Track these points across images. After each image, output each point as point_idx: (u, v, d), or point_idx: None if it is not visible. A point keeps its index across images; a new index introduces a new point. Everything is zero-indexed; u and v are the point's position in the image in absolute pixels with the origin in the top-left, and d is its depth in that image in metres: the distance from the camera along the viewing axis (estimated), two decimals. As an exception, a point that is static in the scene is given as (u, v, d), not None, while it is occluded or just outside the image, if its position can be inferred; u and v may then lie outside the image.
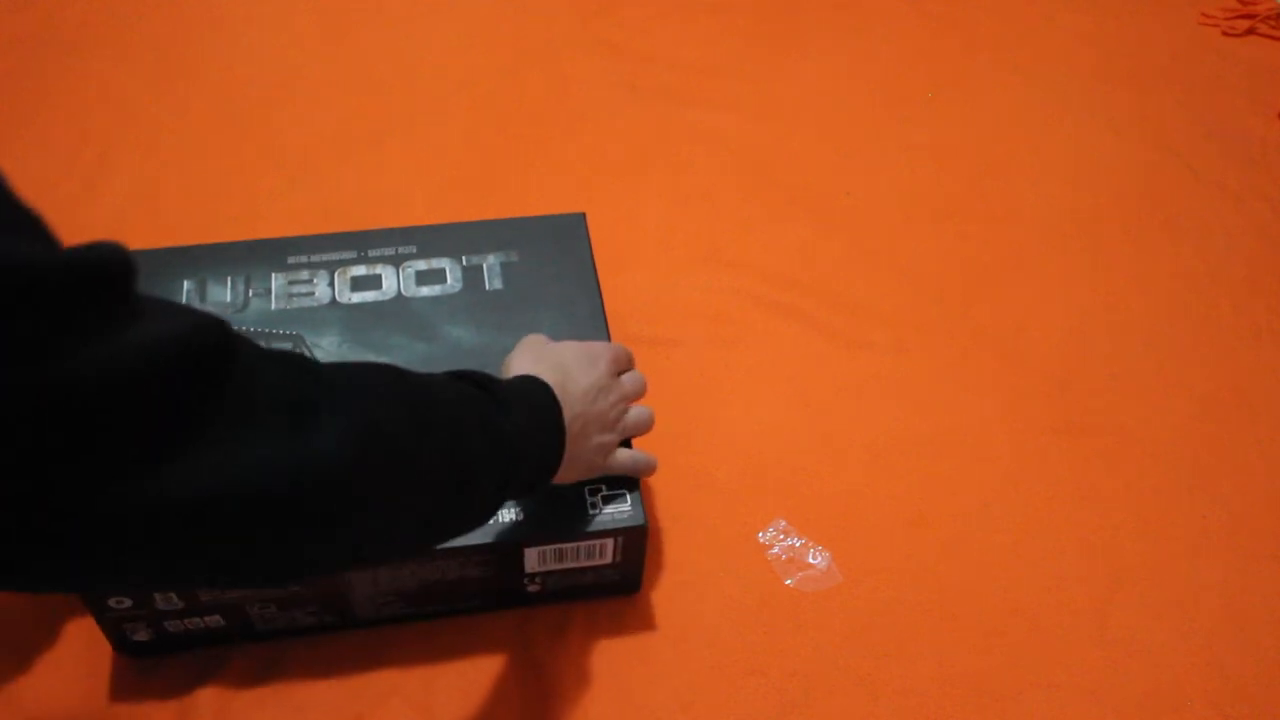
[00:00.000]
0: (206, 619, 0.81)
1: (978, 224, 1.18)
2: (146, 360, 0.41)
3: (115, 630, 0.82)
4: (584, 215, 0.98)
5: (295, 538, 0.49)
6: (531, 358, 0.76)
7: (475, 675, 0.85)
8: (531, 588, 0.85)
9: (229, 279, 0.91)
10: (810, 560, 0.92)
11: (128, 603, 0.78)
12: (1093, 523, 0.95)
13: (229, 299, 0.89)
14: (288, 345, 0.87)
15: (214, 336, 0.44)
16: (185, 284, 0.90)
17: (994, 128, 1.28)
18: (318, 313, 0.89)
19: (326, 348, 0.86)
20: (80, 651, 0.85)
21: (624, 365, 0.82)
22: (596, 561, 0.83)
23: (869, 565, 0.92)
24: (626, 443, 0.81)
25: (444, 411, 0.60)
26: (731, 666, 0.86)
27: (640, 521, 0.80)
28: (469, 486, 0.61)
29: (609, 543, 0.82)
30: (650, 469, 0.82)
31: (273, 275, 0.91)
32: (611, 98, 1.28)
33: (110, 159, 1.21)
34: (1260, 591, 0.92)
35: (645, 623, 0.88)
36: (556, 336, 0.82)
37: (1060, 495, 0.97)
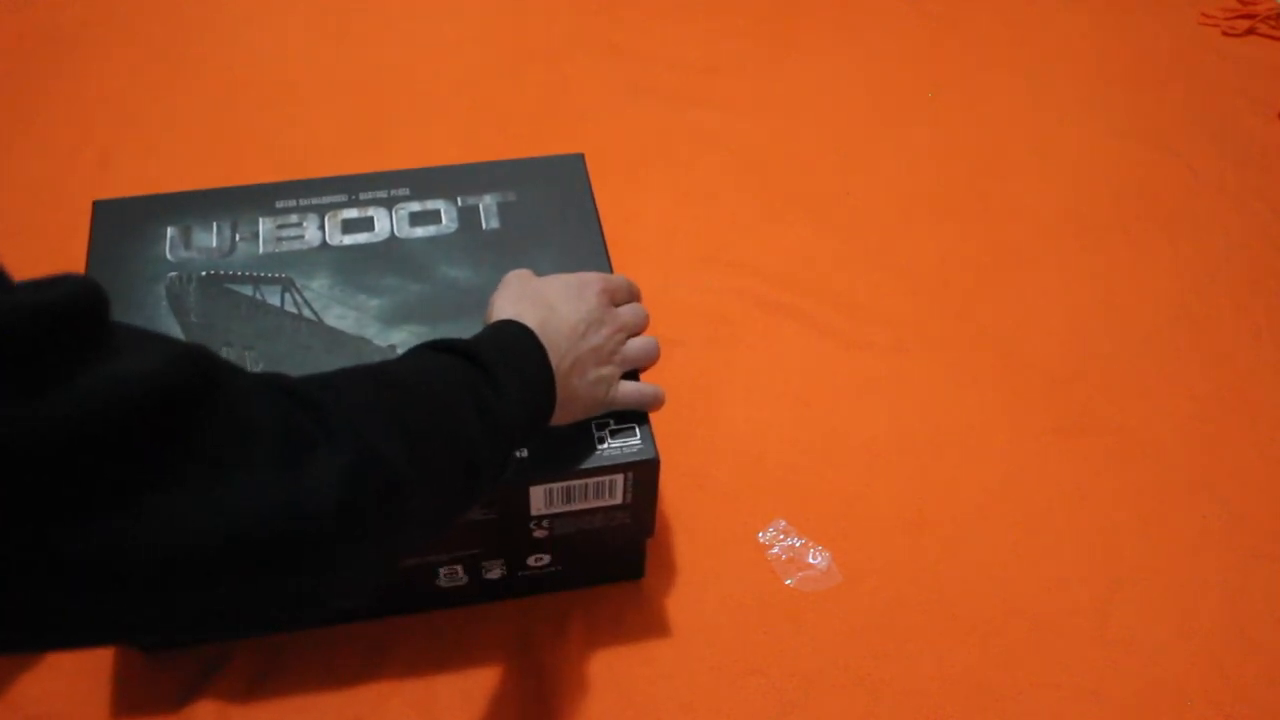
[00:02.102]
0: None
1: (978, 224, 1.18)
2: (116, 401, 0.39)
3: None
4: (583, 155, 0.95)
5: (292, 579, 0.46)
6: (514, 295, 0.72)
7: (475, 675, 0.85)
8: (539, 533, 0.81)
9: (215, 224, 0.87)
10: (810, 560, 0.92)
11: None
12: (1093, 523, 0.95)
13: (215, 244, 0.86)
14: (276, 289, 0.83)
15: (190, 371, 0.42)
16: (169, 230, 0.86)
17: (994, 128, 1.28)
18: (308, 256, 0.86)
19: (317, 290, 0.83)
20: (81, 652, 0.85)
21: (621, 296, 0.78)
22: (606, 501, 0.80)
23: (869, 565, 0.92)
24: (634, 376, 0.78)
25: (441, 412, 0.58)
26: (731, 666, 0.86)
27: (650, 455, 0.77)
28: (471, 477, 0.59)
29: (619, 479, 0.78)
30: (658, 402, 0.78)
31: (260, 219, 0.88)
32: (611, 98, 1.28)
33: (110, 159, 1.21)
34: (1260, 591, 0.92)
35: (645, 623, 0.88)
36: (553, 264, 0.80)
37: (1060, 495, 0.97)
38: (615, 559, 0.88)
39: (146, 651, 0.85)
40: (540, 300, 0.71)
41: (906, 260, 1.14)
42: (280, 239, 0.87)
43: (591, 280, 0.75)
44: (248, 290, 0.83)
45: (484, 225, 0.89)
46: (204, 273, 0.84)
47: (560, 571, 0.86)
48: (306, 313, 0.82)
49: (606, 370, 0.74)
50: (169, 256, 0.85)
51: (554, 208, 0.91)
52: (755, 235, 1.16)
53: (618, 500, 0.80)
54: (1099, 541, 0.94)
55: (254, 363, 0.79)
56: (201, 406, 0.42)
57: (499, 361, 0.63)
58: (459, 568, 0.84)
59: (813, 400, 1.03)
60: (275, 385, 0.48)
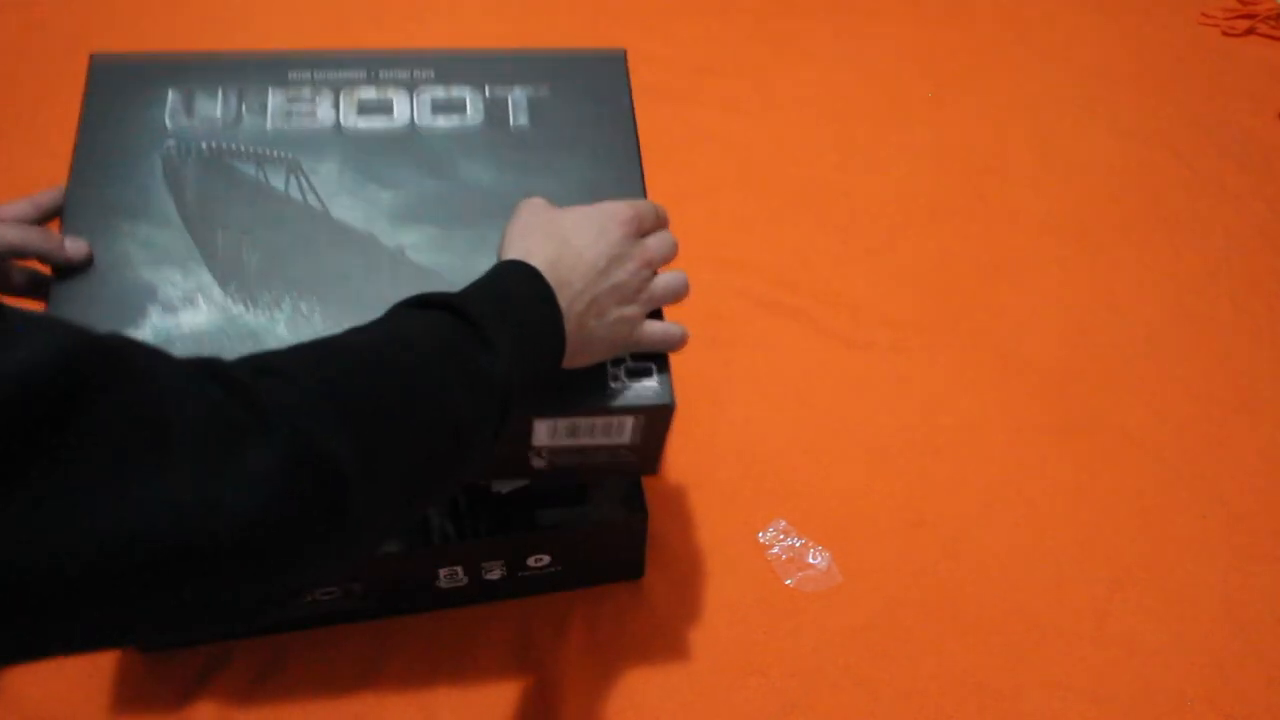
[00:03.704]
0: None
1: (978, 224, 1.18)
2: None
3: None
4: (624, 53, 0.87)
5: (222, 586, 0.43)
6: (525, 228, 0.66)
7: (475, 675, 0.85)
8: (537, 463, 0.75)
9: (220, 91, 0.79)
10: (810, 560, 0.92)
11: None
12: (1093, 523, 0.95)
13: (219, 113, 0.78)
14: (281, 170, 0.76)
15: (80, 362, 0.38)
16: (170, 94, 0.78)
17: (994, 128, 1.28)
18: (318, 137, 0.78)
19: (325, 175, 0.76)
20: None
21: (648, 225, 0.70)
22: (613, 440, 0.74)
23: (869, 565, 0.92)
24: (657, 313, 0.72)
25: (412, 387, 0.52)
26: (731, 666, 0.86)
27: (666, 400, 0.71)
28: (459, 446, 0.54)
29: (628, 421, 0.72)
30: (682, 341, 0.72)
31: (270, 90, 0.79)
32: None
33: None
34: (1260, 591, 0.92)
35: (645, 623, 0.88)
36: (585, 184, 0.74)
37: (1060, 495, 0.97)
38: (615, 559, 0.88)
39: (146, 651, 0.85)
40: (554, 233, 0.65)
41: (906, 260, 1.14)
42: (290, 114, 0.79)
43: (615, 210, 0.67)
44: (250, 169, 0.76)
45: (512, 121, 0.81)
46: (205, 145, 0.77)
47: (560, 571, 0.86)
48: (312, 200, 0.76)
49: (630, 310, 0.67)
50: (168, 123, 0.77)
51: (589, 109, 0.82)
52: (755, 235, 1.16)
53: (625, 440, 0.74)
54: (1099, 541, 0.94)
55: (250, 249, 0.73)
56: (98, 400, 0.38)
57: (492, 314, 0.57)
58: (459, 568, 0.84)
59: (813, 400, 1.03)
60: (207, 374, 0.44)
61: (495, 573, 0.85)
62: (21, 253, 0.68)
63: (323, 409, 0.46)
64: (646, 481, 0.86)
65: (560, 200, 0.70)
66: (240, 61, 0.81)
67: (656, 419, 0.73)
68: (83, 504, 0.38)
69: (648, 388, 0.71)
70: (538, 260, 0.62)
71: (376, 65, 0.82)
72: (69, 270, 0.69)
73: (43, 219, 0.71)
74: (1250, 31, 1.40)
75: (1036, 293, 1.12)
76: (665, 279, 0.70)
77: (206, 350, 0.67)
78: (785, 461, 0.98)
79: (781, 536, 0.93)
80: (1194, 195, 1.22)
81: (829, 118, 1.28)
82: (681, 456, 0.98)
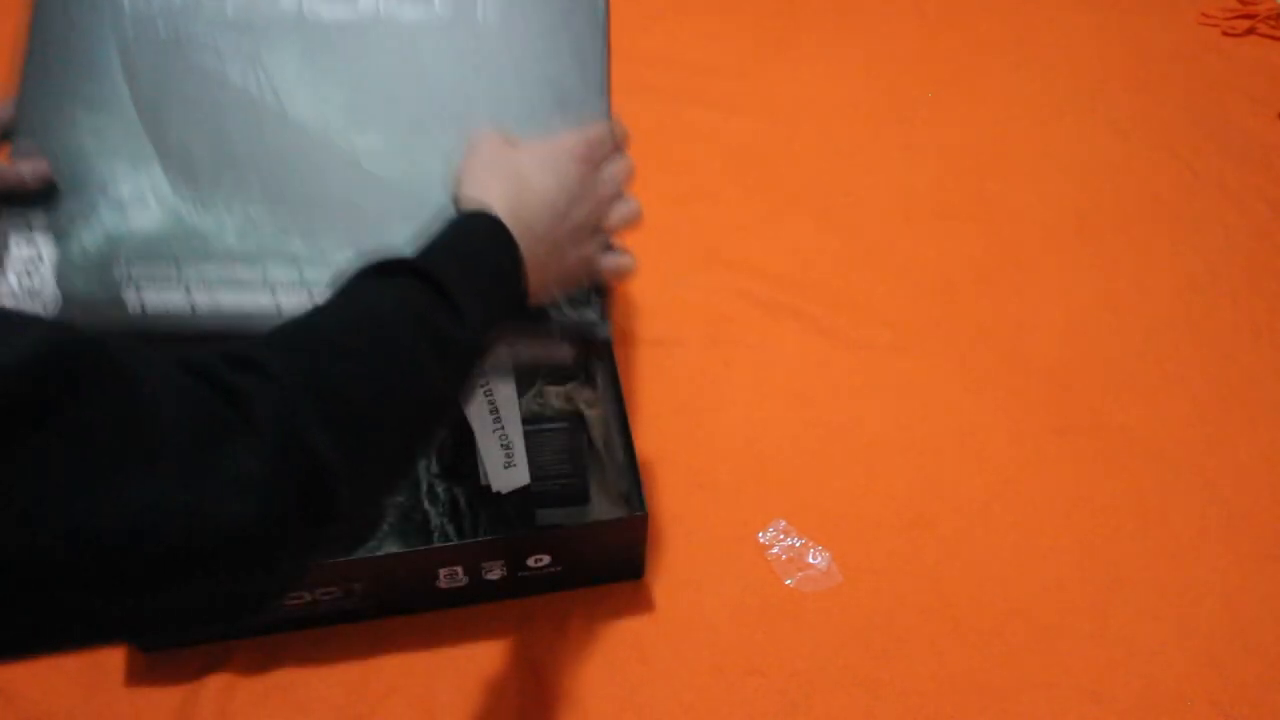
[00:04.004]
0: None
1: (978, 224, 1.18)
2: None
3: None
4: None
5: (206, 582, 0.43)
6: (483, 169, 0.64)
7: (475, 674, 0.85)
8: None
9: None
10: (810, 560, 0.92)
11: None
12: (1093, 523, 0.95)
13: None
14: (239, 62, 0.73)
15: (68, 358, 0.38)
16: None
17: (994, 128, 1.28)
18: (279, 23, 0.74)
19: (283, 67, 0.73)
20: (79, 651, 0.85)
21: (603, 152, 0.68)
22: (553, 358, 0.73)
23: (869, 565, 0.92)
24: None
25: (390, 371, 0.51)
26: (731, 666, 0.86)
27: (605, 335, 0.70)
28: (431, 418, 0.55)
29: (566, 347, 0.72)
30: (630, 270, 0.71)
31: None
32: (611, 97, 1.28)
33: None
34: (1260, 591, 0.92)
35: (645, 622, 0.88)
36: (548, 84, 0.73)
37: (1060, 495, 0.97)
38: (615, 559, 0.88)
39: (146, 651, 0.85)
40: (512, 176, 0.63)
41: (906, 260, 1.14)
42: (252, 2, 0.75)
43: (570, 147, 0.66)
44: (209, 60, 0.73)
45: (479, 15, 0.76)
46: (163, 28, 0.73)
47: (560, 572, 0.86)
48: (269, 97, 0.73)
49: (588, 247, 0.66)
50: (126, 5, 0.74)
51: (560, 8, 0.78)
52: (755, 235, 1.16)
53: (565, 360, 0.74)
54: (1099, 541, 0.94)
55: (203, 147, 0.71)
56: (81, 397, 0.38)
57: (460, 279, 0.56)
58: (459, 568, 0.84)
59: (813, 400, 1.03)
60: (191, 371, 0.44)
61: (495, 573, 0.85)
62: None
63: (308, 407, 0.46)
64: (646, 481, 0.86)
65: (520, 101, 0.71)
66: None
67: (595, 349, 0.73)
68: (65, 500, 0.37)
69: (587, 318, 0.70)
70: (498, 206, 0.61)
71: None
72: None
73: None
74: (1250, 31, 1.40)
75: (1037, 293, 1.12)
76: (620, 211, 0.69)
77: (155, 252, 0.68)
78: (785, 461, 0.98)
79: (781, 536, 0.93)
80: (1194, 195, 1.22)
81: (829, 118, 1.28)
82: (681, 456, 0.98)
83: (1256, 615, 0.90)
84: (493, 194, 0.62)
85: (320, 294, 0.60)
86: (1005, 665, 0.87)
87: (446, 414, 0.56)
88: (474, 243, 0.60)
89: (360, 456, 0.48)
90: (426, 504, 0.86)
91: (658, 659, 0.86)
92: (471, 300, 0.56)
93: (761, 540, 0.93)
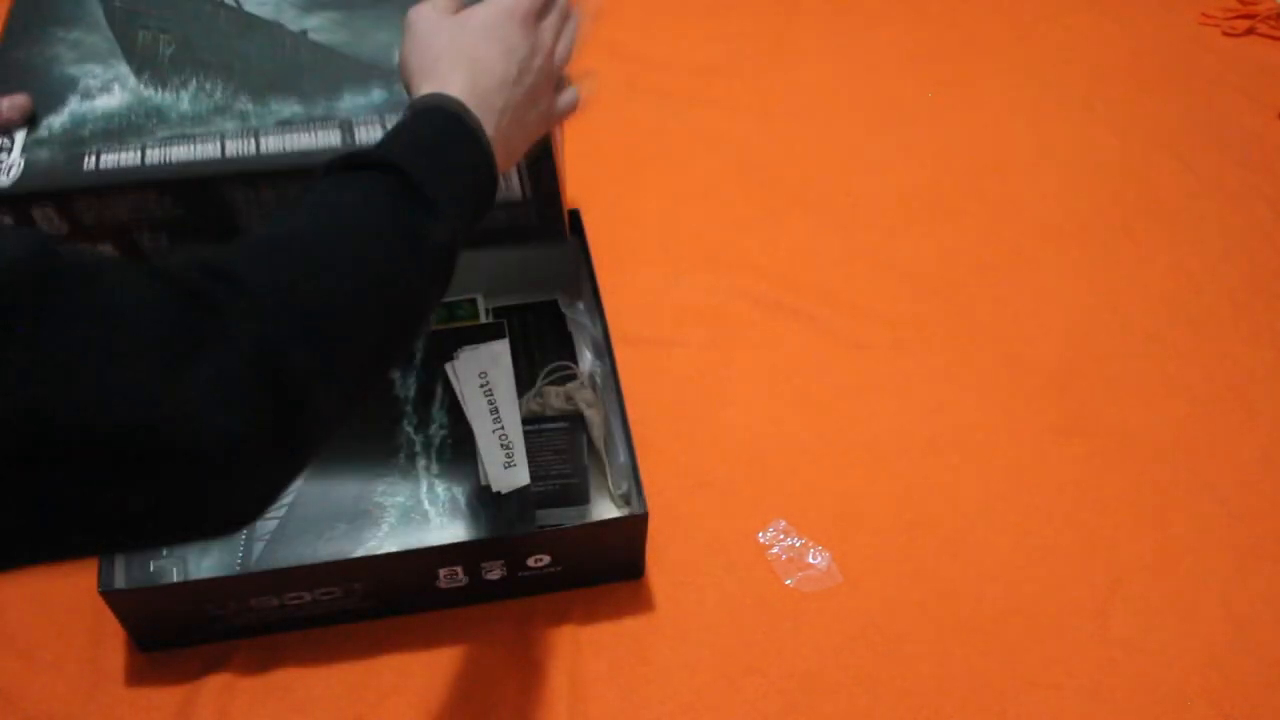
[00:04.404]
0: (99, 248, 0.77)
1: (977, 224, 1.18)
2: None
3: None
4: None
5: (177, 492, 0.43)
6: (429, 54, 0.63)
7: (475, 675, 0.85)
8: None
9: None
10: (810, 560, 0.92)
11: (10, 220, 0.75)
12: (1093, 523, 0.95)
13: None
14: None
15: (46, 265, 0.39)
16: None
17: (994, 128, 1.28)
18: None
19: None
20: (82, 650, 0.85)
21: (540, 2, 0.67)
22: (508, 198, 0.77)
23: (869, 565, 0.92)
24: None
25: (365, 272, 0.51)
26: (731, 666, 0.86)
27: (545, 148, 0.73)
28: (415, 321, 0.55)
29: (512, 173, 0.75)
30: (577, 104, 0.71)
31: None
32: (611, 97, 1.28)
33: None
34: (1260, 591, 0.92)
35: (645, 622, 0.88)
36: None
37: (1060, 495, 0.97)
38: (615, 559, 0.88)
39: (146, 651, 0.85)
40: (461, 56, 0.63)
41: (906, 260, 1.14)
42: None
43: (511, 8, 0.65)
44: None
45: None
46: None
47: (560, 571, 0.87)
48: (229, 2, 0.82)
49: (543, 104, 0.67)
50: None
51: None
52: (755, 235, 1.16)
53: (515, 195, 0.77)
54: (1099, 541, 0.94)
55: (166, 44, 0.79)
56: (60, 297, 0.39)
57: (429, 169, 0.56)
58: (459, 568, 0.84)
59: (813, 400, 1.03)
60: (166, 279, 0.44)
61: (495, 573, 0.85)
62: None
63: (280, 315, 0.46)
64: (646, 481, 0.86)
65: None
66: None
67: (539, 169, 0.75)
68: (32, 382, 0.37)
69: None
70: (455, 90, 0.61)
71: None
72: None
73: None
74: (1250, 31, 1.40)
75: (1037, 292, 1.12)
76: (560, 49, 0.69)
77: (115, 126, 0.74)
78: (785, 461, 0.98)
79: (781, 536, 0.93)
80: (1194, 195, 1.22)
81: (829, 117, 1.28)
82: (681, 456, 0.98)
83: (1256, 615, 0.90)
84: (447, 79, 0.61)
85: (266, 138, 0.72)
86: (1005, 665, 0.87)
87: (424, 315, 0.56)
88: (439, 135, 0.59)
89: (334, 367, 0.48)
90: (426, 504, 0.86)
91: (658, 659, 0.86)
92: (444, 196, 0.56)
93: (761, 540, 0.93)
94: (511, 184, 0.75)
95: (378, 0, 0.80)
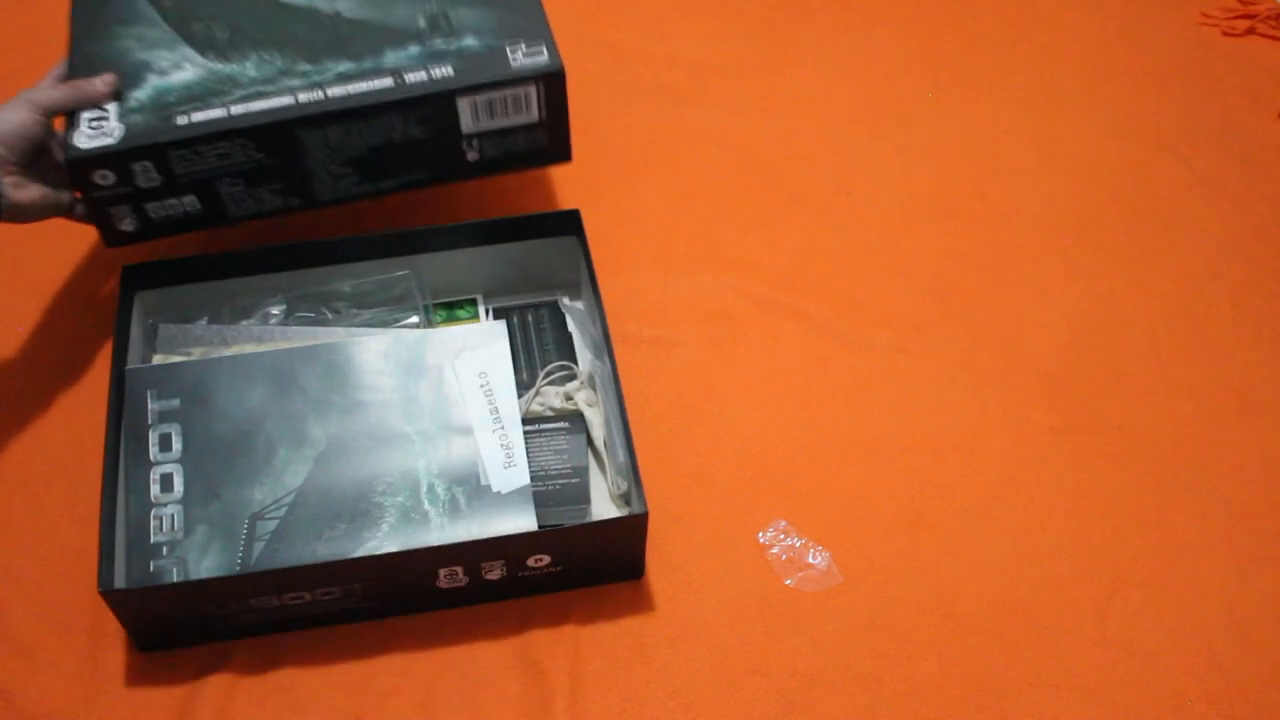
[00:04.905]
0: (184, 200, 0.92)
1: (978, 224, 1.18)
2: None
3: (104, 219, 0.92)
4: None
5: None
6: None
7: (475, 675, 0.85)
8: (471, 155, 0.95)
9: None
10: (810, 560, 0.92)
11: (112, 178, 0.89)
12: (1093, 523, 0.95)
13: None
14: None
15: None
16: None
17: (994, 128, 1.28)
18: None
19: None
20: (82, 650, 0.85)
21: None
22: (524, 118, 0.94)
23: (869, 565, 0.92)
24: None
25: None
26: (731, 666, 0.86)
27: (557, 66, 0.92)
28: None
29: (532, 90, 0.93)
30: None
31: None
32: (610, 97, 1.28)
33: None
34: (1260, 591, 0.92)
35: (645, 622, 0.88)
36: None
37: (1060, 495, 0.97)
38: (615, 559, 0.88)
39: (146, 651, 0.85)
40: None
41: (906, 260, 1.14)
42: None
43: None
44: None
45: None
46: None
47: (560, 571, 0.87)
48: None
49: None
50: None
51: None
52: (755, 235, 1.16)
53: (534, 117, 0.94)
54: (1099, 541, 0.94)
55: (220, 29, 0.95)
56: None
57: None
58: (459, 568, 0.84)
59: (813, 400, 1.03)
60: None
61: (495, 573, 0.85)
62: (69, 107, 0.89)
63: None
64: (646, 481, 0.86)
65: None
66: None
67: (553, 87, 0.93)
68: None
69: (540, 60, 0.92)
70: None
71: None
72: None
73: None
74: (1250, 31, 1.40)
75: (1037, 292, 1.12)
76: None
77: (195, 92, 0.91)
78: (785, 461, 0.98)
79: (781, 536, 0.93)
80: (1194, 195, 1.22)
81: (829, 117, 1.28)
82: (681, 456, 0.98)
83: (1256, 615, 0.90)
84: None
85: (330, 88, 0.91)
86: (1005, 665, 0.87)
87: None
88: None
89: None
90: (426, 504, 0.86)
91: (658, 659, 0.86)
92: None
93: (761, 540, 0.93)
94: (530, 108, 0.93)
95: None
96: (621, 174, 1.20)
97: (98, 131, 0.87)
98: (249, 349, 0.94)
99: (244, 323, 0.97)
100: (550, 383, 0.98)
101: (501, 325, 0.94)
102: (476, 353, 0.92)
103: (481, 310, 1.03)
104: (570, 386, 0.98)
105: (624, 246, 1.12)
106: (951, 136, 1.27)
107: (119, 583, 0.81)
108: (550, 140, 0.96)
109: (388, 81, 0.91)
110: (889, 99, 1.30)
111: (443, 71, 0.92)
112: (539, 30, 0.95)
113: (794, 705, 0.84)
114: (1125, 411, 1.03)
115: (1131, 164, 1.25)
